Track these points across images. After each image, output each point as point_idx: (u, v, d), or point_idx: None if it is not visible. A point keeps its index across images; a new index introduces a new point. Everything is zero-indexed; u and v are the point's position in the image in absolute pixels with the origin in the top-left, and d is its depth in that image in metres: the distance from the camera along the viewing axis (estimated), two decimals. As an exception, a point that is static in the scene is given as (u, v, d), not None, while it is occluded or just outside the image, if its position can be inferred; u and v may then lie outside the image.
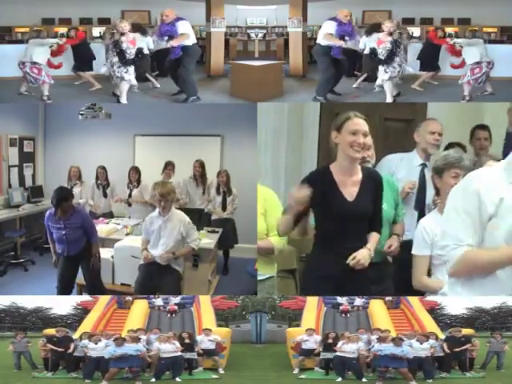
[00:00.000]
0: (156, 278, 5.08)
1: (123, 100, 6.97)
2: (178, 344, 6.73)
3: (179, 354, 6.65)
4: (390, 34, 6.71)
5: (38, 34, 7.26)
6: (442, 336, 7.37)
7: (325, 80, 7.24)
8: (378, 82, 6.89)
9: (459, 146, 4.86)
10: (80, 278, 5.76)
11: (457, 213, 2.15)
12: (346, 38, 7.13)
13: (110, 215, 8.44)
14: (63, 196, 5.32)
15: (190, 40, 7.09)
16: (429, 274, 3.54)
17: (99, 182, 8.45)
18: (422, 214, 4.20)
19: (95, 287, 5.82)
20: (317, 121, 6.83)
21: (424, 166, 4.47)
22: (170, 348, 6.62)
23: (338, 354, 6.64)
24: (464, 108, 6.94)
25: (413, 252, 3.54)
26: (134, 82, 6.95)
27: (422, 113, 6.53)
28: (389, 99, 6.85)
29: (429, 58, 8.17)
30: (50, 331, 7.50)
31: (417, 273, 3.49)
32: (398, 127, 6.55)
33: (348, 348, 6.63)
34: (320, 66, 7.31)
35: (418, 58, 8.26)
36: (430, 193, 4.16)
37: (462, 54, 7.44)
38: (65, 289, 5.58)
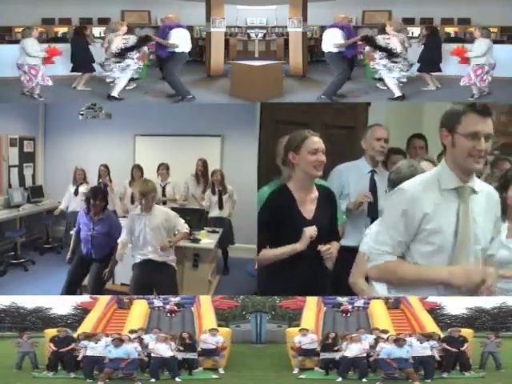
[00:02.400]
0: (151, 275, 5.13)
1: (115, 93, 7.12)
2: (173, 345, 6.72)
3: (172, 354, 6.64)
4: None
5: (30, 31, 7.22)
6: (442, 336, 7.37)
7: (337, 83, 7.35)
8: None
9: (399, 152, 4.81)
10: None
11: (386, 223, 2.36)
12: None
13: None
14: (94, 194, 5.46)
15: (180, 48, 7.22)
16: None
17: (100, 180, 8.48)
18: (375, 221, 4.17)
19: (95, 290, 5.80)
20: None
21: (373, 172, 4.48)
22: (163, 348, 6.61)
23: (345, 354, 6.63)
24: (403, 110, 6.97)
25: (360, 249, 3.39)
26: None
27: (363, 118, 6.33)
28: (397, 93, 7.09)
29: (432, 60, 8.11)
30: (52, 331, 7.49)
31: (356, 271, 3.31)
32: (340, 134, 6.46)
33: (354, 348, 6.63)
34: (337, 71, 7.38)
35: (418, 61, 8.22)
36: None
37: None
38: (71, 286, 5.58)
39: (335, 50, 7.22)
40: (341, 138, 6.18)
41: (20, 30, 9.31)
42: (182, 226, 5.32)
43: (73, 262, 5.63)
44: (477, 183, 2.36)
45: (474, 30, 7.52)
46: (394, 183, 3.35)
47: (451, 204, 2.31)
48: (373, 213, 4.29)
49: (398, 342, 6.32)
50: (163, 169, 8.38)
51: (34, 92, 7.21)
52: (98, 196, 5.45)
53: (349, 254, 3.93)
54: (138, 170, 8.43)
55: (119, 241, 5.31)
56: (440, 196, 2.31)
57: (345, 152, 5.23)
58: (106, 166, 8.55)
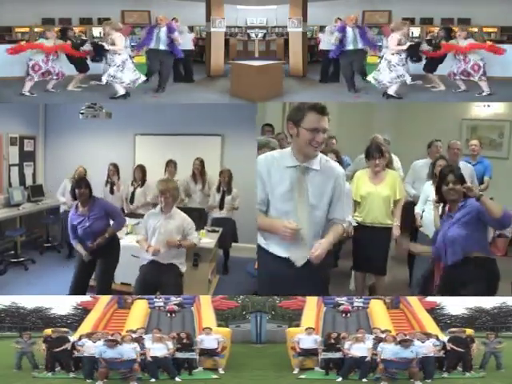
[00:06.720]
0: (157, 275, 5.10)
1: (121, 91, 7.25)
2: (170, 345, 6.70)
3: (168, 354, 6.61)
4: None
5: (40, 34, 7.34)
6: (442, 336, 7.35)
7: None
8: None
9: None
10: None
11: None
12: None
13: None
14: (78, 183, 5.44)
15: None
16: None
17: (108, 179, 8.50)
18: None
19: (103, 288, 5.74)
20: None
21: None
22: (160, 348, 6.59)
23: (349, 355, 6.62)
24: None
25: None
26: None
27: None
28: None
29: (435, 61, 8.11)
30: (49, 331, 7.48)
31: None
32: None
33: (358, 348, 6.61)
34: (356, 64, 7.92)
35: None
36: None
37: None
38: (78, 288, 5.55)
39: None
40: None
41: (20, 30, 9.38)
42: (194, 238, 5.29)
43: (76, 265, 5.57)
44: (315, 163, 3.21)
45: (458, 30, 7.56)
46: None
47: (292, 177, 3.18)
48: None
49: (405, 342, 6.28)
50: (172, 166, 8.34)
51: (26, 89, 7.29)
52: (82, 184, 5.42)
53: None
54: (139, 170, 8.42)
55: (136, 241, 5.32)
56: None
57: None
58: (115, 165, 8.56)
